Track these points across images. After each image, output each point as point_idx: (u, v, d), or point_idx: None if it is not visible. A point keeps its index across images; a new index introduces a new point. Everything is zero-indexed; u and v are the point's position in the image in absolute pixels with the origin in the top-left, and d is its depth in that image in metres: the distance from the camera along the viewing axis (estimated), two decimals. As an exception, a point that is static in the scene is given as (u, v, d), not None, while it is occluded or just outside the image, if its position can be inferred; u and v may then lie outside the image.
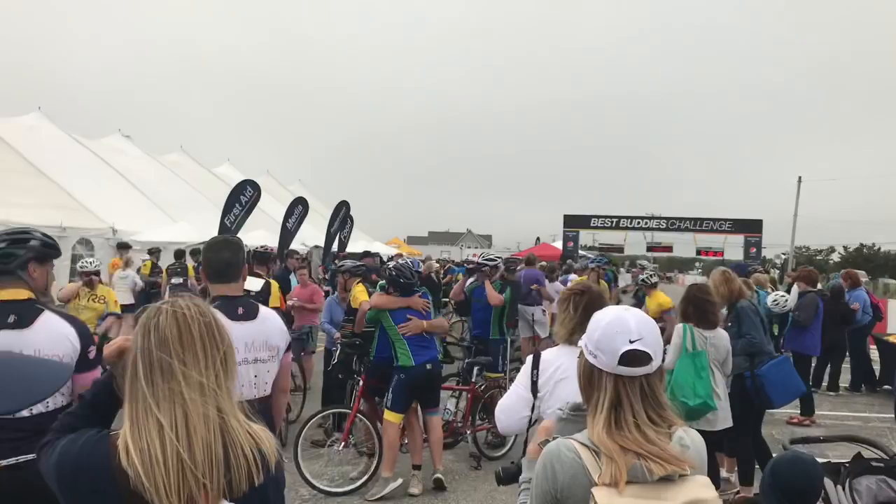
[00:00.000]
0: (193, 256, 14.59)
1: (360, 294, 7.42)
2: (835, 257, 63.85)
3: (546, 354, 3.07)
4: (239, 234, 20.46)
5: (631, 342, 1.83)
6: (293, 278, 10.27)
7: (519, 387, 3.09)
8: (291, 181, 46.30)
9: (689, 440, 1.87)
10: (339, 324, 7.72)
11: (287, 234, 22.66)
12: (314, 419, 6.33)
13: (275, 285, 7.28)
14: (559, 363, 2.99)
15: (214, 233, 19.20)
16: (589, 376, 1.91)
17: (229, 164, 41.85)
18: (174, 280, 13.39)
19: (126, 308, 13.20)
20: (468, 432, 6.96)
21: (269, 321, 3.30)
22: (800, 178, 43.46)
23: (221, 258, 3.26)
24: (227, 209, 19.07)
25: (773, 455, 6.22)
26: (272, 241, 22.77)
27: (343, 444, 6.16)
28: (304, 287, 9.64)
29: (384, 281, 6.46)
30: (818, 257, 63.46)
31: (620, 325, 1.87)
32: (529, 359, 3.10)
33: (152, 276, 14.57)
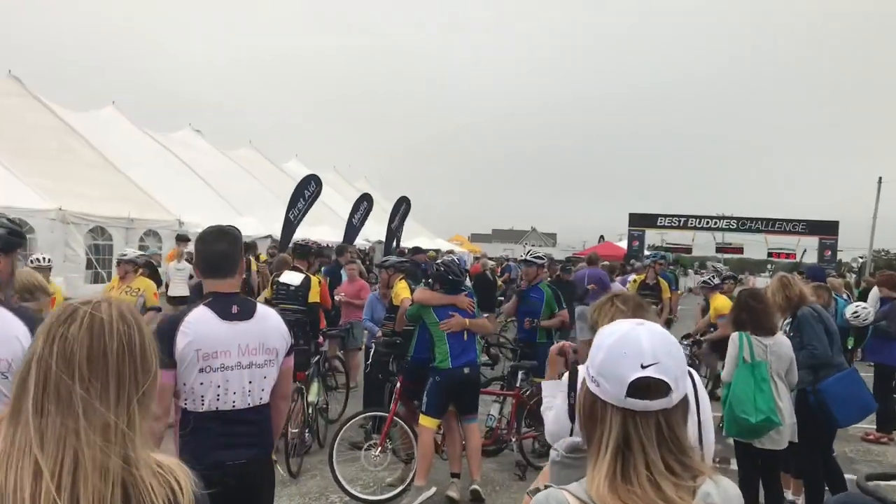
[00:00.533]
0: (251, 251, 14.52)
1: (402, 291, 7.15)
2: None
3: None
4: (302, 228, 20.58)
5: (643, 367, 1.40)
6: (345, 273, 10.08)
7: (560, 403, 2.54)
8: (357, 178, 46.60)
9: (718, 497, 1.42)
10: (380, 321, 7.47)
11: (352, 229, 22.72)
12: (352, 421, 6.08)
13: (314, 280, 7.11)
14: None
15: (279, 227, 19.32)
16: (590, 410, 1.46)
17: (297, 160, 42.27)
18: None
19: (182, 300, 13.35)
20: (513, 440, 6.61)
21: (267, 321, 3.02)
22: (880, 178, 41.40)
23: (217, 250, 2.96)
24: (291, 204, 19.20)
25: (847, 476, 5.75)
26: (336, 237, 22.84)
27: (380, 448, 5.88)
28: (352, 282, 9.44)
29: (430, 277, 6.16)
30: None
31: (630, 345, 1.43)
32: (565, 377, 2.56)
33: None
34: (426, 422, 5.69)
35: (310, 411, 6.56)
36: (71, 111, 27.30)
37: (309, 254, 7.31)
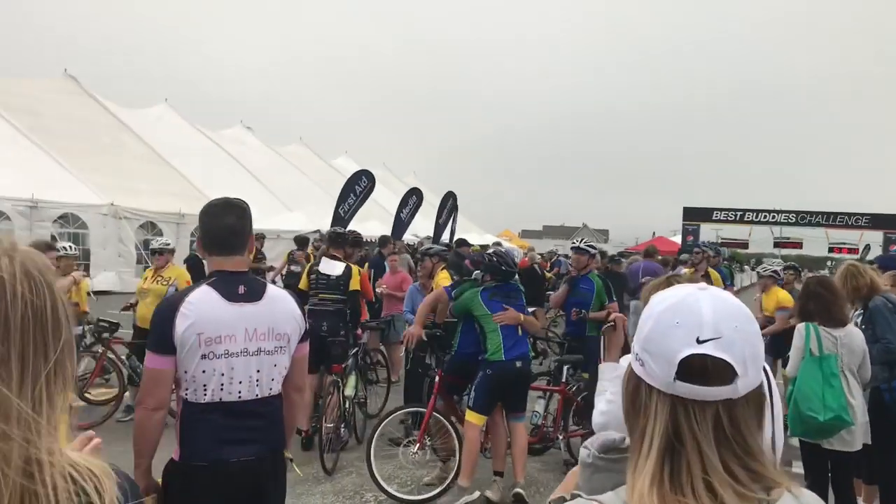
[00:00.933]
0: (304, 246, 14.42)
1: (443, 281, 6.86)
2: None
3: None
4: (352, 224, 20.43)
5: (699, 342, 1.03)
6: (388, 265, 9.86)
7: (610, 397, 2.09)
8: (406, 173, 46.56)
9: None
10: None
11: (401, 224, 22.48)
12: (391, 417, 5.80)
13: (356, 269, 6.81)
14: None
15: (328, 223, 19.17)
16: (633, 396, 1.12)
17: (346, 156, 42.37)
18: (293, 267, 13.21)
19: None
20: (560, 438, 6.26)
21: (278, 303, 2.73)
22: None
23: (224, 224, 2.68)
24: (341, 199, 18.97)
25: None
26: (385, 232, 22.60)
27: (418, 445, 5.58)
28: (394, 274, 9.20)
29: (481, 268, 5.78)
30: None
31: (685, 313, 1.06)
32: (625, 359, 2.18)
33: (256, 262, 14.50)
34: (473, 418, 5.35)
35: (346, 405, 6.29)
36: (124, 108, 27.80)
37: (345, 242, 7.00)
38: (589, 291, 7.04)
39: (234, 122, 36.14)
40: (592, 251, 7.34)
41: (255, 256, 14.72)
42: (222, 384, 2.57)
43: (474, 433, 5.37)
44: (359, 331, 6.94)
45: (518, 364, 5.45)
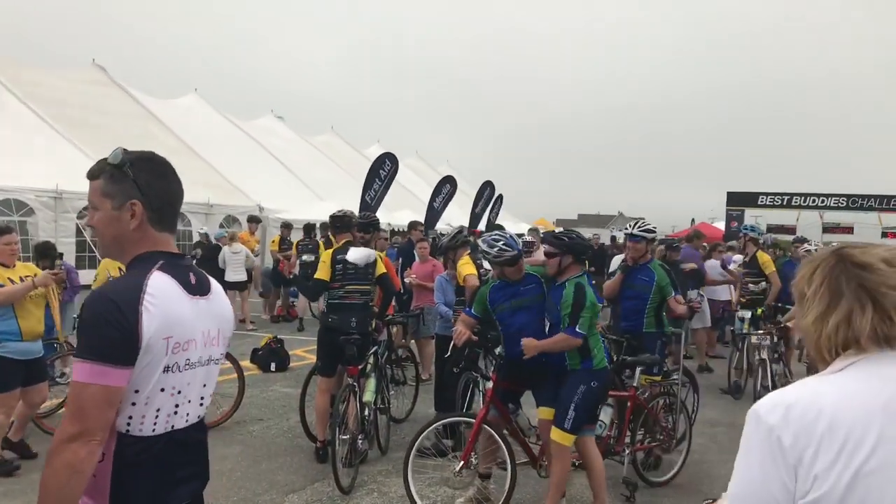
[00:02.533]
0: (323, 231, 13.76)
1: (464, 268, 6.14)
2: None
3: (799, 395, 1.36)
4: (383, 213, 19.79)
5: None
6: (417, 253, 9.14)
7: (758, 475, 1.34)
8: (440, 162, 45.89)
9: None
10: (452, 305, 6.46)
11: (434, 213, 21.82)
12: (431, 428, 4.95)
13: (377, 252, 6.07)
14: (847, 420, 1.30)
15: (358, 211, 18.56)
16: None
17: (378, 146, 41.76)
18: (305, 257, 12.47)
19: (237, 285, 12.53)
20: (626, 451, 5.36)
21: (222, 299, 2.11)
22: None
23: (175, 189, 2.03)
24: (367, 185, 18.25)
25: None
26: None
27: (462, 464, 4.68)
28: (424, 262, 8.48)
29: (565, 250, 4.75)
30: None
31: None
32: (753, 418, 1.37)
33: (282, 251, 13.90)
34: (564, 439, 4.56)
35: (366, 413, 5.57)
36: (153, 99, 27.45)
37: (351, 225, 6.15)
38: (648, 283, 6.05)
39: (265, 112, 35.63)
40: (650, 236, 6.22)
41: (281, 246, 14.15)
42: (176, 408, 1.91)
43: (567, 460, 4.64)
44: (380, 326, 6.16)
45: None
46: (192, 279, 1.96)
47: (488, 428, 4.71)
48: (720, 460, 6.32)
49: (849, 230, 28.85)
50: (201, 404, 2.01)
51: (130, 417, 1.83)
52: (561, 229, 5.13)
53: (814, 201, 28.22)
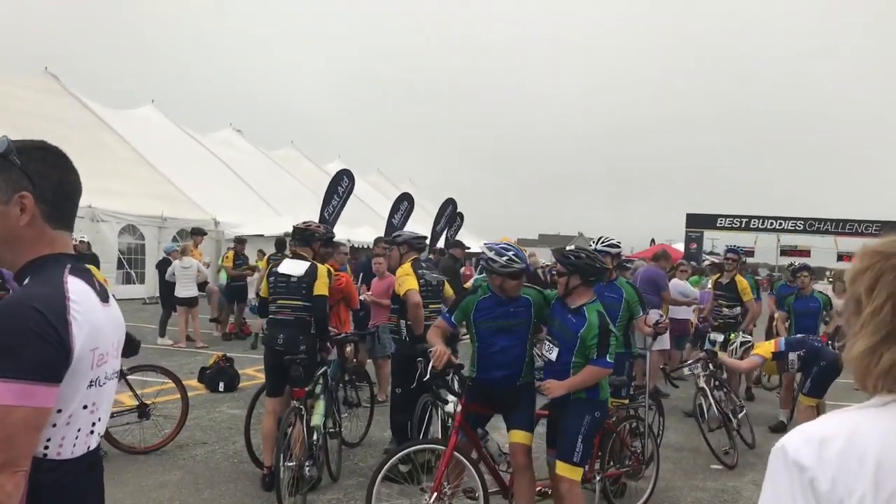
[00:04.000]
0: (277, 247, 13.38)
1: (406, 281, 5.87)
2: None
3: (836, 430, 1.10)
4: (343, 229, 19.46)
5: None
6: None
7: None
8: (402, 180, 45.63)
9: None
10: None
11: (393, 230, 21.49)
12: (400, 454, 4.46)
13: (322, 269, 5.57)
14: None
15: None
16: None
17: (339, 161, 41.37)
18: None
19: (187, 301, 12.23)
20: (597, 478, 5.05)
21: (117, 306, 1.83)
22: None
23: (72, 181, 1.72)
24: (326, 201, 18.16)
25: None
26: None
27: (436, 495, 4.26)
28: (382, 279, 8.16)
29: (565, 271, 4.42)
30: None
31: None
32: (779, 456, 1.12)
33: (235, 268, 13.45)
34: (573, 473, 4.24)
35: (314, 437, 5.12)
36: (108, 109, 26.78)
37: (313, 239, 5.79)
38: (617, 300, 5.72)
39: (223, 125, 35.07)
40: (615, 251, 5.96)
41: (235, 262, 13.69)
42: (93, 425, 1.68)
43: (580, 498, 4.33)
44: (328, 345, 5.70)
45: None
46: (97, 285, 1.69)
47: (458, 455, 4.34)
48: (687, 486, 6.08)
49: (806, 253, 29.30)
50: (101, 420, 1.73)
51: (49, 440, 1.57)
52: (572, 247, 4.68)
53: (771, 224, 28.61)
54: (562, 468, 4.22)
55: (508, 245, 4.47)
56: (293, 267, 5.46)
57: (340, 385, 6.31)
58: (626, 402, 5.70)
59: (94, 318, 1.61)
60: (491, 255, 4.38)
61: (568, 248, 4.53)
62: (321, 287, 5.39)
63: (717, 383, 7.23)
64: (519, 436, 4.37)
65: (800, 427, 1.14)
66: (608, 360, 4.20)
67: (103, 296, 1.71)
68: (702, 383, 7.01)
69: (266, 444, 5.42)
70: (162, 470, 5.76)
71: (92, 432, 1.68)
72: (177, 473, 5.72)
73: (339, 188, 18.32)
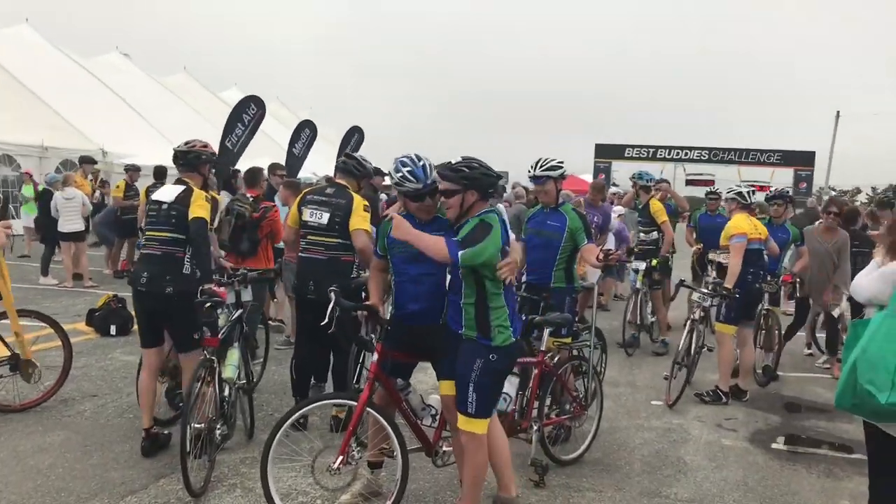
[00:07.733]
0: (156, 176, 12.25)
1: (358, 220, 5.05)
2: (861, 198, 60.25)
3: None
4: (243, 160, 18.23)
5: None
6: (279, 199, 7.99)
7: None
8: (302, 108, 43.89)
9: None
10: None
11: (295, 160, 20.31)
12: (302, 411, 3.90)
13: (198, 192, 4.62)
14: None
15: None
16: None
17: (237, 89, 39.31)
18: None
19: (72, 236, 11.20)
20: (534, 427, 4.51)
21: None
22: (838, 112, 39.68)
23: None
24: (227, 129, 16.66)
25: None
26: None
27: (341, 458, 3.63)
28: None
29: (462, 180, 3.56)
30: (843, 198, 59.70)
31: None
32: None
33: (127, 199, 12.29)
34: (470, 426, 3.61)
35: (227, 393, 4.37)
36: (-25, 27, 24.27)
37: (199, 161, 4.77)
38: (559, 228, 5.17)
39: (109, 49, 32.57)
40: (556, 173, 5.20)
41: (126, 193, 12.53)
42: None
43: (483, 452, 3.65)
44: (217, 287, 4.55)
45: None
46: None
47: (373, 411, 3.74)
48: (632, 426, 5.73)
49: (711, 182, 29.87)
50: None
51: None
52: (459, 158, 3.71)
53: (678, 154, 29.04)
54: (461, 421, 3.58)
55: (412, 158, 3.73)
56: (164, 192, 4.60)
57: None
58: (569, 340, 5.16)
59: None
60: (391, 168, 3.75)
61: (455, 160, 3.74)
62: (197, 209, 4.51)
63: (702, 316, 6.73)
64: (449, 387, 3.71)
65: None
66: (461, 253, 3.36)
67: None
68: (698, 315, 6.59)
69: (142, 400, 4.67)
70: (42, 431, 4.97)
71: None
72: (60, 434, 4.94)
73: (245, 116, 16.88)
